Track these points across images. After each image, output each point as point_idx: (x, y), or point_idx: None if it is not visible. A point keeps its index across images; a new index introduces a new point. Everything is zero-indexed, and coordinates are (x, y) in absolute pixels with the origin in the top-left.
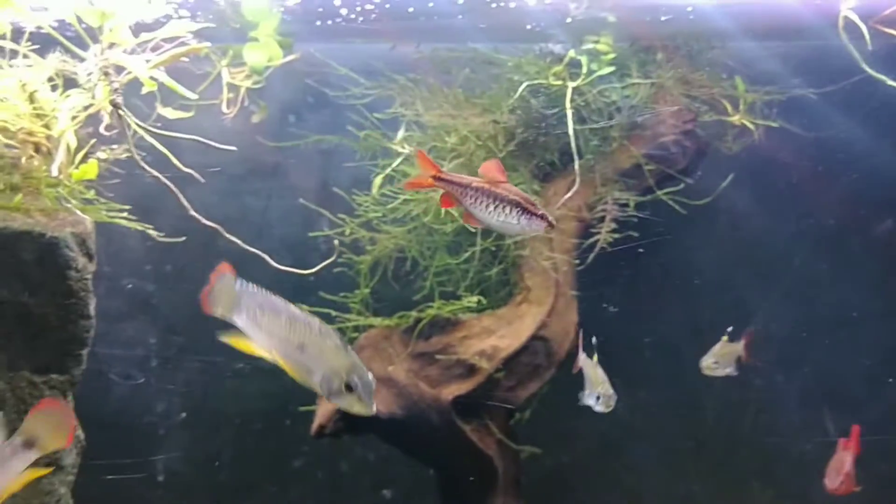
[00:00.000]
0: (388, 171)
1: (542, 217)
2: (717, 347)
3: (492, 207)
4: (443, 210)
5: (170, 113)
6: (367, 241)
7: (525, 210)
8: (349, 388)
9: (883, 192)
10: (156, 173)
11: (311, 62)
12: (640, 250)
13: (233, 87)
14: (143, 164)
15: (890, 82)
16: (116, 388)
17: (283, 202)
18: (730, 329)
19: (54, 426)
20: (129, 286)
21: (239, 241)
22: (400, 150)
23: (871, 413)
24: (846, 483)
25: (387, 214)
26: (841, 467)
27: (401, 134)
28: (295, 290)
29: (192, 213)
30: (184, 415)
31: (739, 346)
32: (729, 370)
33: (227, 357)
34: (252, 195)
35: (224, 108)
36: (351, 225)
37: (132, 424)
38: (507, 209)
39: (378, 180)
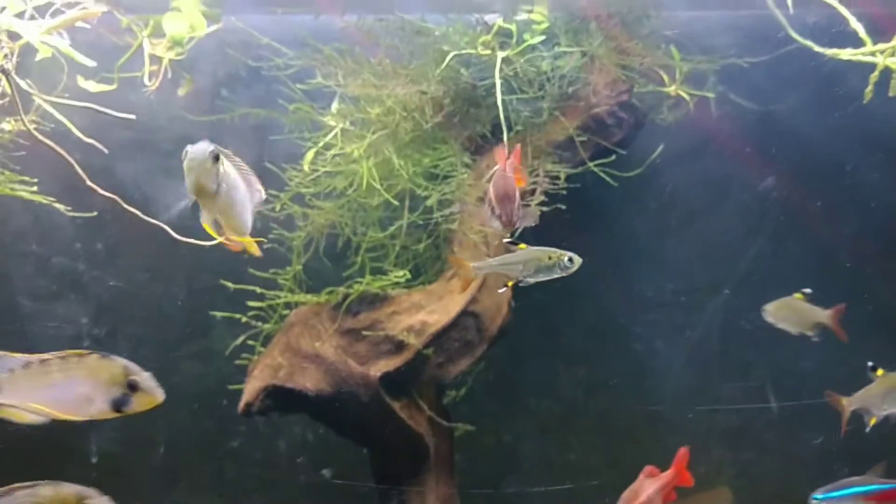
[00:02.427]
0: (319, 145)
1: (499, 217)
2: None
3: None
4: (372, 184)
5: (91, 86)
6: (300, 217)
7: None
8: None
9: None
10: (51, 144)
11: (241, 34)
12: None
13: (158, 61)
14: (37, 134)
15: (817, 49)
16: None
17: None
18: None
19: None
20: (59, 264)
21: (139, 213)
22: (331, 123)
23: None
24: None
25: (320, 190)
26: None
27: (334, 107)
28: (226, 269)
29: (89, 183)
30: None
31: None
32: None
33: (160, 336)
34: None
35: (146, 81)
36: (282, 200)
37: None
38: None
39: (309, 155)
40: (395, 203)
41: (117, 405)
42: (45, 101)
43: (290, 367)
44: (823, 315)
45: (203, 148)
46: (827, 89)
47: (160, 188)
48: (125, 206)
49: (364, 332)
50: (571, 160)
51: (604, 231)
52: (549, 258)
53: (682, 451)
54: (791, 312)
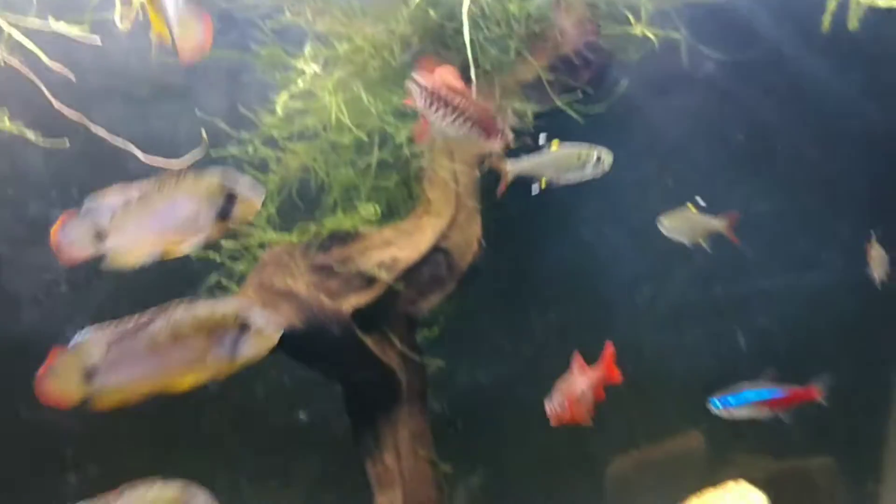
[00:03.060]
0: (291, 88)
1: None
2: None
3: (450, 119)
4: (341, 120)
5: (63, 27)
6: (274, 161)
7: (484, 128)
8: None
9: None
10: (20, 67)
11: None
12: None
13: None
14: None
15: None
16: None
17: (189, 124)
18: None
19: None
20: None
21: (105, 133)
22: (304, 67)
23: None
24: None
25: (293, 132)
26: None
27: (307, 50)
28: None
29: (58, 106)
30: None
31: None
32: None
33: (138, 278)
34: (158, 118)
35: (118, 22)
36: (254, 143)
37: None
38: (469, 125)
39: (282, 97)
40: (366, 139)
41: (222, 215)
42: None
43: (263, 304)
44: (717, 224)
45: None
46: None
47: (135, 133)
48: (93, 127)
49: (336, 268)
50: (539, 100)
51: None
52: (579, 157)
53: (609, 348)
54: (685, 223)
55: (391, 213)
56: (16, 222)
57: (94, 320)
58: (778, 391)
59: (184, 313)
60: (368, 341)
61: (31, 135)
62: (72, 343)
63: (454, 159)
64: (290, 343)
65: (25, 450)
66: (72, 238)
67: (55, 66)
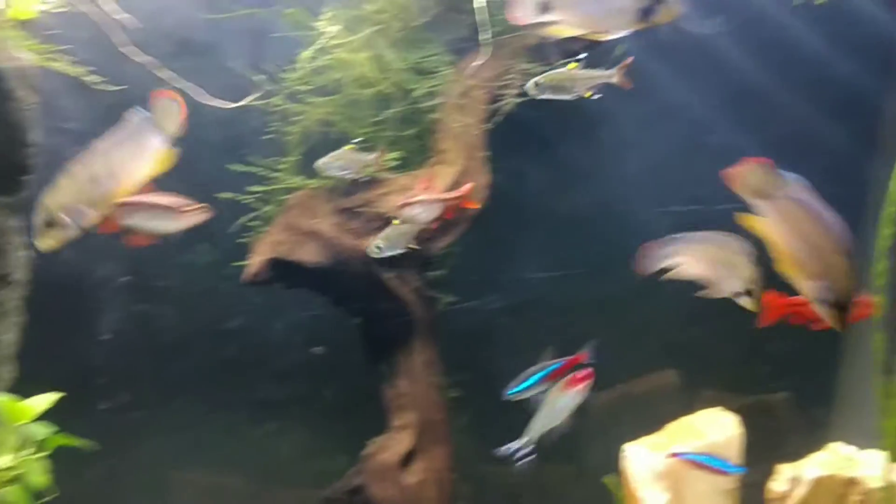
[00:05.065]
0: (315, 46)
1: None
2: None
3: None
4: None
5: None
6: (296, 114)
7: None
8: None
9: None
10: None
11: None
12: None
13: None
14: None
15: None
16: None
17: (215, 79)
18: None
19: (168, 111)
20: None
21: (175, 74)
22: (324, 28)
23: None
24: None
25: (318, 86)
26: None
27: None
28: (227, 153)
29: (123, 49)
30: (128, 278)
31: None
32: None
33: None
34: (183, 74)
35: None
36: (278, 98)
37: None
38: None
39: (306, 54)
40: (390, 90)
41: (645, 13)
42: None
43: (290, 243)
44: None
45: None
46: None
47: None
48: (158, 73)
49: (358, 211)
50: (543, 61)
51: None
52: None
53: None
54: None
55: (406, 163)
56: None
57: None
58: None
59: None
60: (387, 277)
61: (92, 78)
62: None
63: (465, 113)
64: (314, 278)
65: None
66: (522, 4)
67: (119, 13)
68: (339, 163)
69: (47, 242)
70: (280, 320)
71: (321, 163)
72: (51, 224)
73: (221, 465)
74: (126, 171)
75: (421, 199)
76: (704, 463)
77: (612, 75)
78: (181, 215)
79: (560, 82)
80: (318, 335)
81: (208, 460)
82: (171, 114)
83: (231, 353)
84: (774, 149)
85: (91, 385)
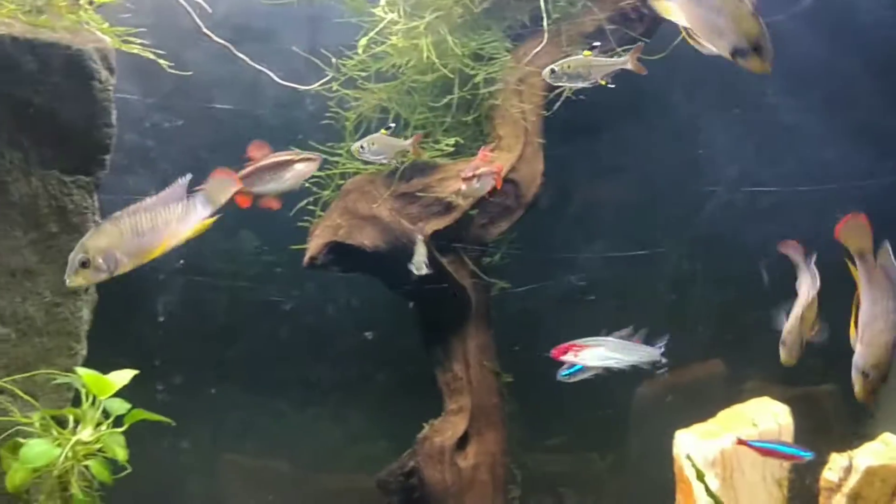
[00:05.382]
0: (371, 33)
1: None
2: None
3: None
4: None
5: None
6: (352, 99)
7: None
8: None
9: None
10: None
11: None
12: None
13: None
14: None
15: None
16: None
17: (274, 65)
18: None
19: (223, 188)
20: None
21: (247, 59)
22: (382, 14)
23: None
24: None
25: (376, 71)
26: None
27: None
28: (283, 139)
29: (205, 30)
30: (181, 262)
31: None
32: None
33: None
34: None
35: None
36: (335, 84)
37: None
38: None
39: (363, 41)
40: (450, 76)
41: (735, 52)
42: None
43: (348, 227)
44: (406, 144)
45: None
46: None
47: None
48: (236, 52)
49: (416, 195)
50: (601, 49)
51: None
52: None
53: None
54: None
55: (462, 149)
56: None
57: None
58: None
59: None
60: (444, 262)
61: (163, 62)
62: None
63: (523, 99)
64: (372, 262)
65: None
66: None
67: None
68: (374, 147)
69: (77, 280)
70: (332, 304)
71: (355, 147)
72: (85, 265)
73: (270, 448)
74: (169, 232)
75: (482, 172)
76: (775, 450)
77: (627, 62)
78: (296, 166)
79: (576, 70)
80: (370, 319)
81: (257, 443)
82: (225, 191)
83: (284, 337)
84: None
85: (146, 366)
